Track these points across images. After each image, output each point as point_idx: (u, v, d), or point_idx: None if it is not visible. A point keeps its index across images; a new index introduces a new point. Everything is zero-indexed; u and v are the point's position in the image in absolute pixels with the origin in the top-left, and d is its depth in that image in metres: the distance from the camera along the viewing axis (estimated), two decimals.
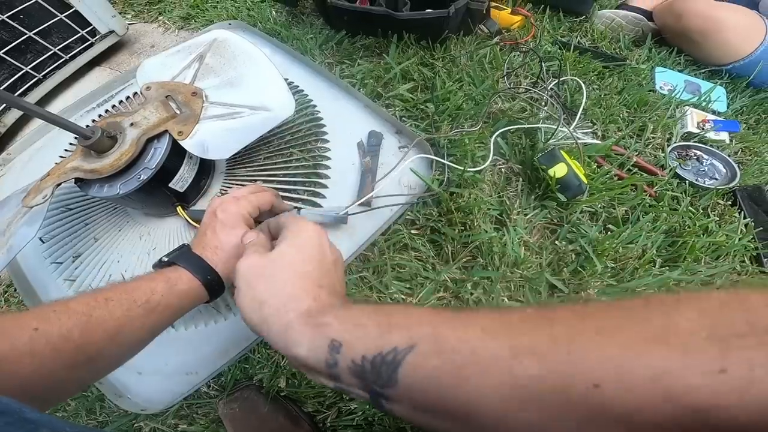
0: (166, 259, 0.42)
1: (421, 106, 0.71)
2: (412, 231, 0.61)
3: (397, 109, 0.72)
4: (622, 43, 0.88)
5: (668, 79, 0.82)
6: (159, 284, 0.38)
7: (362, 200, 0.60)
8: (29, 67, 0.83)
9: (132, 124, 0.52)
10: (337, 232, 0.61)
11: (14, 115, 0.84)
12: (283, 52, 0.79)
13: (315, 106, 0.71)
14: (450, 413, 0.23)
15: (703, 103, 0.79)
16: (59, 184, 0.51)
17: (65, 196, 0.65)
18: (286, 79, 0.59)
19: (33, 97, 0.85)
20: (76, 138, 0.50)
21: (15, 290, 0.66)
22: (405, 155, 0.62)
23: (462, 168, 0.61)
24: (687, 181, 0.67)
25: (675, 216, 0.64)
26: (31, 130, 0.78)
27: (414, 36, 0.78)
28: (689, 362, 0.17)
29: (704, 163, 0.72)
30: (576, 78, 0.74)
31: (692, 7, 0.80)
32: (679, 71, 0.84)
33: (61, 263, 0.62)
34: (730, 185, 0.68)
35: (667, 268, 0.60)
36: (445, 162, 0.62)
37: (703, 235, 0.62)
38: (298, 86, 0.73)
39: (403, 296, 0.57)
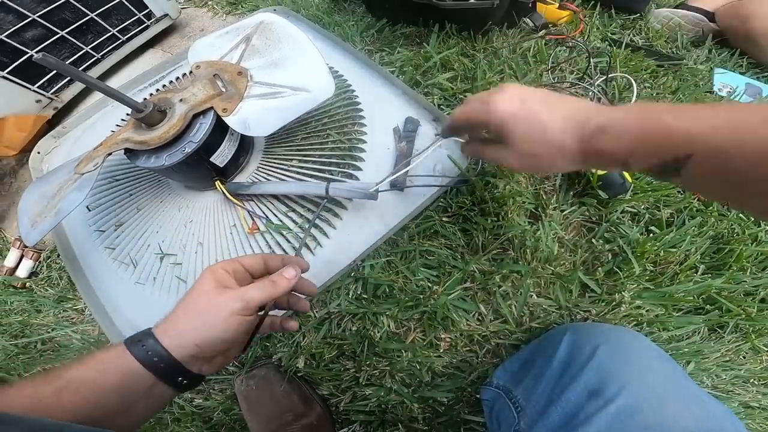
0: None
1: (460, 96, 0.70)
2: (444, 218, 0.60)
3: (436, 97, 0.71)
4: (679, 43, 0.84)
5: (728, 81, 0.77)
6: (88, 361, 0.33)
7: (393, 176, 0.57)
8: (89, 47, 0.88)
9: (181, 100, 0.54)
10: (369, 214, 0.61)
11: (72, 91, 0.89)
12: (325, 38, 0.80)
13: (354, 91, 0.72)
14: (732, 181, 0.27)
15: None
16: (110, 154, 0.54)
17: (114, 167, 0.69)
18: (326, 64, 0.60)
19: (91, 76, 0.90)
20: (128, 114, 0.52)
21: (58, 256, 0.70)
22: (438, 138, 0.61)
23: None
24: None
25: (724, 222, 0.60)
26: (86, 107, 0.83)
27: (456, 26, 0.77)
28: None
29: None
30: (627, 75, 0.71)
31: (761, 9, 0.76)
32: (741, 74, 0.79)
33: (104, 231, 0.65)
34: None
35: (710, 275, 0.57)
36: None
37: (752, 243, 0.59)
38: (338, 71, 0.74)
39: (429, 284, 0.57)
